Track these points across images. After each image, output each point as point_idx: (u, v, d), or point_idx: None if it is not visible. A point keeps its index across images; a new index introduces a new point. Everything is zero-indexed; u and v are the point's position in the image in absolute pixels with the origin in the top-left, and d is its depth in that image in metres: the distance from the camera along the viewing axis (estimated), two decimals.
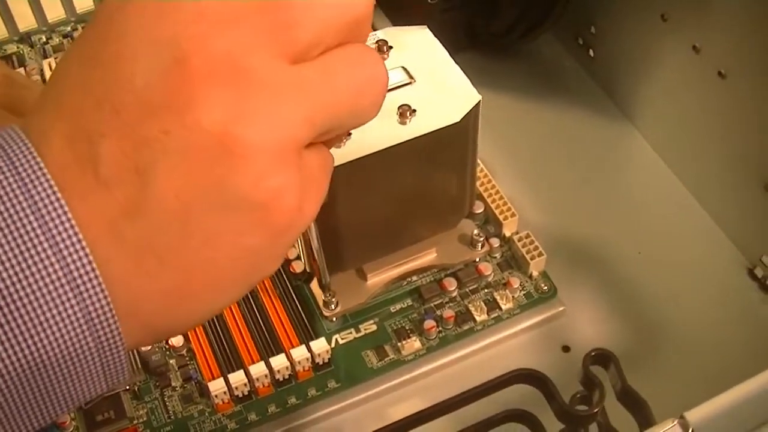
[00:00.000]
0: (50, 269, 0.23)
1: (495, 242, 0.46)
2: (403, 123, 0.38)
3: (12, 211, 0.23)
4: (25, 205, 0.23)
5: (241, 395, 0.42)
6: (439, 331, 0.44)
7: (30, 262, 0.23)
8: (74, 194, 0.23)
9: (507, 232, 0.46)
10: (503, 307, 0.44)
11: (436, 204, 0.42)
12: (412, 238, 0.43)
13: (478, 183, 0.47)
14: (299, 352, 0.42)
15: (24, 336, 0.23)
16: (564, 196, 0.50)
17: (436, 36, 0.50)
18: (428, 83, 0.39)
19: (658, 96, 0.51)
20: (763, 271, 0.46)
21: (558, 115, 0.54)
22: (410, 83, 0.39)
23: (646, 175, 0.52)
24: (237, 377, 0.41)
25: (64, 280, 0.23)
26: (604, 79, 0.55)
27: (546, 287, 0.45)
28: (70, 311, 0.23)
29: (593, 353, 0.34)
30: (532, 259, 0.45)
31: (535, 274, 0.45)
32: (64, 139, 0.24)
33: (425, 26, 0.42)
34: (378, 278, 0.44)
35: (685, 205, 0.50)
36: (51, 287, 0.23)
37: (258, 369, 0.41)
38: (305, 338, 0.43)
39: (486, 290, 0.45)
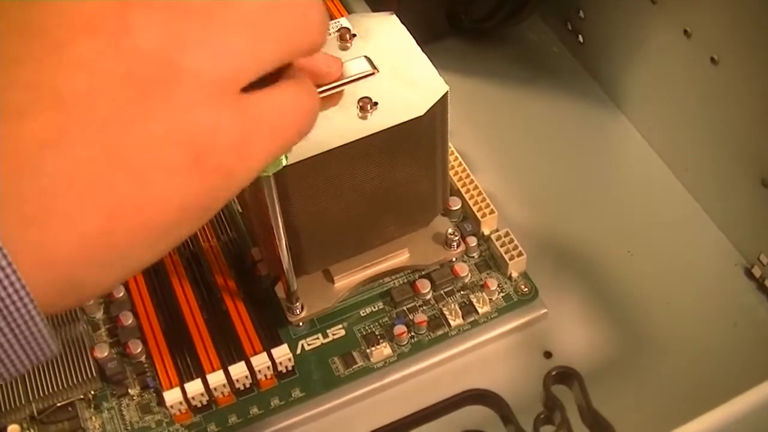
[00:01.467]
0: None
1: (472, 241, 0.43)
2: (363, 117, 0.36)
3: None
4: None
5: (199, 405, 0.40)
6: (411, 337, 0.41)
7: None
8: None
9: (485, 230, 0.44)
10: (480, 310, 0.42)
11: (404, 202, 0.39)
12: (381, 239, 0.41)
13: (455, 178, 0.45)
14: (260, 360, 0.40)
15: None
16: (549, 190, 0.48)
17: (415, 22, 0.47)
18: (393, 74, 0.37)
19: (648, 84, 0.48)
20: (761, 270, 0.44)
21: (545, 104, 0.52)
22: (373, 74, 0.37)
23: (637, 168, 0.49)
24: (194, 387, 0.39)
25: None
26: (594, 65, 0.52)
27: (526, 289, 0.43)
28: None
29: (554, 372, 0.31)
30: (511, 259, 0.42)
31: (514, 274, 0.43)
32: None
33: (392, 13, 0.40)
34: (346, 281, 0.42)
35: (679, 199, 0.47)
36: None
37: (216, 378, 0.39)
38: (270, 344, 0.41)
39: (462, 292, 0.42)
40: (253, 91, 0.24)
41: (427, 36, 0.52)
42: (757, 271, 0.44)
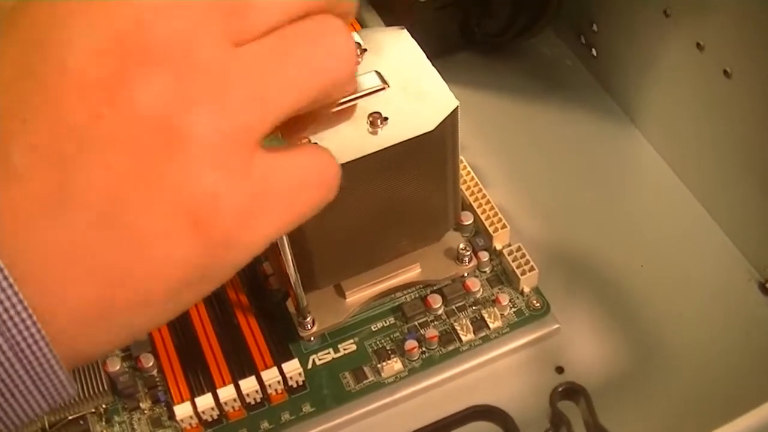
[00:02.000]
0: None
1: (484, 256, 0.43)
2: (374, 132, 0.36)
3: None
4: None
5: (209, 419, 0.40)
6: (423, 352, 0.41)
7: None
8: None
9: (498, 245, 0.44)
10: (491, 325, 0.42)
11: (415, 217, 0.39)
12: (392, 254, 0.41)
13: (467, 192, 0.45)
14: (270, 375, 0.40)
15: None
16: (562, 204, 0.48)
17: (428, 35, 0.47)
18: (403, 89, 0.37)
19: (662, 97, 0.48)
20: None
21: (558, 117, 0.52)
22: (383, 89, 0.37)
23: (650, 182, 0.49)
24: (204, 401, 0.39)
25: None
26: (608, 79, 0.52)
27: (538, 304, 0.42)
28: None
29: (560, 388, 0.31)
30: (522, 274, 0.42)
31: (526, 290, 0.43)
32: None
33: (403, 27, 0.40)
34: (357, 296, 0.42)
35: (692, 213, 0.47)
36: None
37: (226, 392, 0.39)
38: (281, 359, 0.41)
39: (474, 308, 0.42)
40: (270, 152, 0.23)
41: (440, 49, 0.52)
42: None
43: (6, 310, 0.21)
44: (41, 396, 0.23)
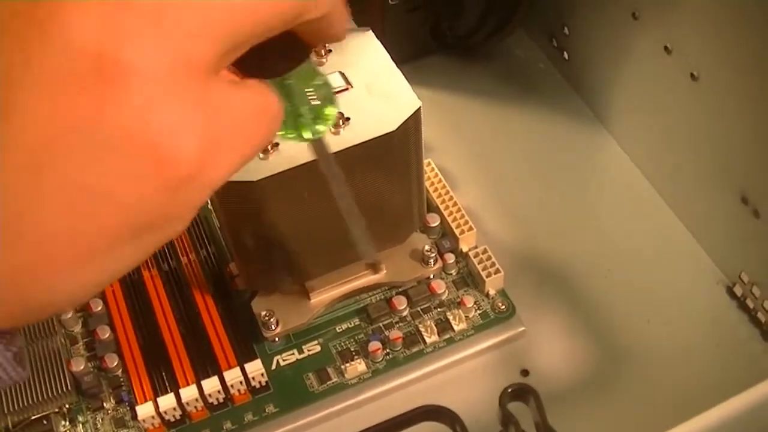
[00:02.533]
0: None
1: (450, 258, 0.43)
2: (336, 132, 0.36)
3: None
4: None
5: (172, 419, 0.40)
6: (387, 353, 0.41)
7: None
8: None
9: (464, 247, 0.44)
10: (456, 327, 0.42)
11: (379, 218, 0.40)
12: (356, 255, 0.41)
13: (435, 194, 0.45)
14: (233, 375, 0.40)
15: None
16: (532, 207, 0.48)
17: (400, 38, 0.48)
18: (366, 89, 0.37)
19: (631, 100, 0.48)
20: (742, 288, 0.43)
21: (530, 120, 0.52)
22: (346, 89, 0.37)
23: (620, 184, 0.49)
24: (166, 401, 0.39)
25: None
26: (579, 82, 0.52)
27: (504, 306, 0.43)
28: None
29: (510, 389, 0.31)
30: (488, 276, 0.42)
31: (492, 292, 0.43)
32: None
33: (369, 29, 0.40)
34: (322, 297, 0.42)
35: (661, 217, 0.47)
36: None
37: (188, 392, 0.39)
38: (245, 360, 0.41)
39: (439, 309, 0.42)
40: (223, 84, 0.22)
41: (412, 52, 0.52)
42: (738, 290, 0.44)
43: None
44: None
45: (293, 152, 0.35)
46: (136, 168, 0.20)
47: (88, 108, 0.20)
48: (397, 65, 0.38)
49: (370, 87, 0.37)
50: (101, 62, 0.20)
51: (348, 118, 0.36)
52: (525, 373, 0.42)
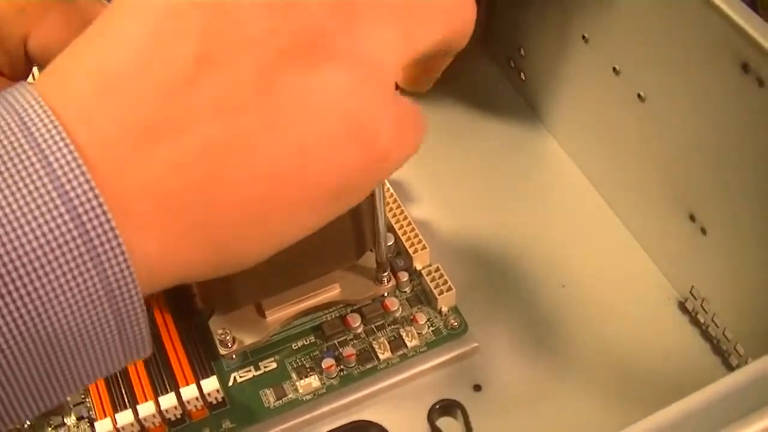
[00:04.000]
0: (69, 240, 0.21)
1: (404, 276, 0.45)
2: None
3: (6, 142, 0.22)
4: (23, 141, 0.22)
5: None
6: (341, 370, 0.43)
7: (37, 219, 0.21)
8: None
9: (418, 266, 0.45)
10: (409, 344, 0.43)
11: (332, 238, 0.41)
12: (309, 275, 0.43)
13: (389, 213, 0.46)
14: (189, 392, 0.41)
15: (35, 309, 0.22)
16: (487, 223, 0.50)
17: None
18: None
19: (584, 120, 0.50)
20: (693, 304, 0.45)
21: (487, 139, 0.54)
22: None
23: (574, 200, 0.50)
24: (124, 417, 0.41)
25: (86, 255, 0.22)
26: (535, 101, 0.54)
27: (456, 323, 0.44)
28: (89, 281, 0.22)
29: (437, 405, 0.32)
30: (440, 293, 0.44)
31: (444, 309, 0.44)
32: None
33: None
34: (277, 315, 0.43)
35: (615, 233, 0.49)
36: (67, 254, 0.21)
37: (146, 409, 0.41)
38: (203, 377, 0.42)
39: (392, 327, 0.44)
40: (401, 93, 0.27)
41: None
42: (690, 305, 0.45)
43: (102, 244, 0.22)
44: (122, 348, 0.24)
45: None
46: (344, 141, 0.24)
47: (314, 75, 0.24)
48: None
49: None
50: (333, 41, 0.24)
51: None
52: (477, 388, 0.43)
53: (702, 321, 0.45)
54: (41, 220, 0.21)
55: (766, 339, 0.41)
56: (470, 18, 0.28)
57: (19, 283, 0.21)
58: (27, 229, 0.21)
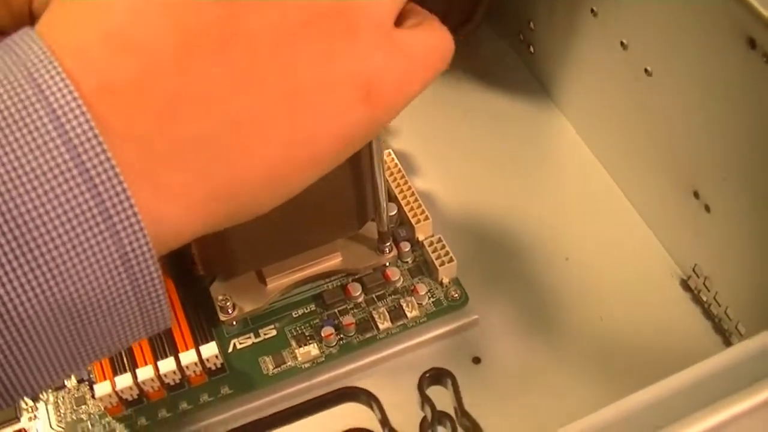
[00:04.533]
0: (78, 197, 0.22)
1: (405, 246, 0.45)
2: None
3: (31, 128, 0.22)
4: (47, 120, 0.22)
5: (130, 398, 0.42)
6: (340, 339, 0.43)
7: (51, 182, 0.22)
8: None
9: (420, 236, 0.45)
10: (409, 314, 0.43)
11: (333, 207, 0.41)
12: (310, 243, 0.43)
13: (392, 183, 0.46)
14: (188, 357, 0.42)
15: (47, 275, 0.22)
16: (492, 196, 0.50)
17: None
18: None
19: (591, 94, 0.50)
20: (696, 282, 0.45)
21: (495, 112, 0.54)
22: None
23: (580, 176, 0.50)
24: (123, 381, 0.41)
25: (99, 218, 0.22)
26: (544, 75, 0.54)
27: (457, 295, 0.44)
28: (102, 244, 0.22)
29: (427, 374, 0.33)
30: (441, 265, 0.44)
31: (445, 280, 0.44)
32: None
33: None
34: (278, 282, 0.44)
35: (620, 208, 0.49)
36: (79, 218, 0.22)
37: (145, 373, 0.41)
38: (202, 342, 0.43)
39: (393, 297, 0.44)
40: (403, 29, 0.28)
41: None
42: (692, 283, 0.45)
43: (114, 206, 0.22)
44: (141, 318, 0.25)
45: None
46: (351, 97, 0.26)
47: (323, 46, 0.25)
48: None
49: None
50: (340, 14, 0.26)
51: None
52: (477, 360, 0.43)
53: (704, 299, 0.45)
54: (58, 190, 0.22)
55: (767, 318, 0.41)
56: None
57: (36, 250, 0.22)
58: (44, 198, 0.22)
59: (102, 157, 0.22)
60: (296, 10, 0.25)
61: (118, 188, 0.22)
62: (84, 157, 0.22)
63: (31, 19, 0.31)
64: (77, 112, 0.22)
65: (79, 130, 0.22)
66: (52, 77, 0.22)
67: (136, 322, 0.25)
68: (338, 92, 0.26)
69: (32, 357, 0.23)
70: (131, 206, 0.22)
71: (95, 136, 0.22)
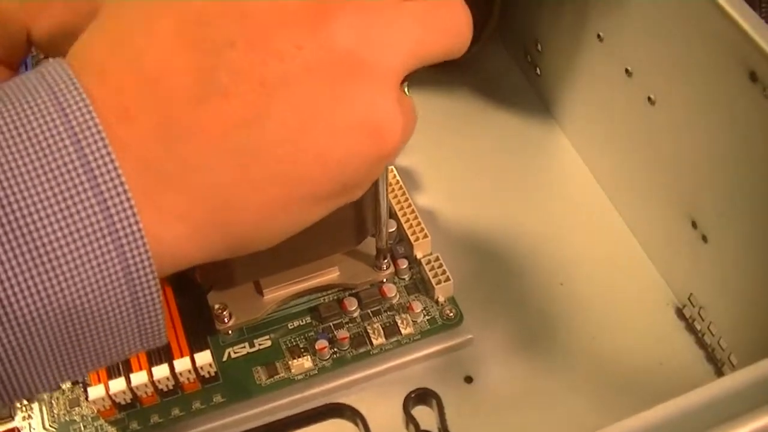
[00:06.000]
0: (88, 209, 0.24)
1: (403, 263, 0.46)
2: None
3: (49, 140, 0.24)
4: (65, 136, 0.24)
5: (123, 402, 0.43)
6: (334, 352, 0.44)
7: (64, 194, 0.24)
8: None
9: (418, 254, 0.46)
10: (403, 331, 0.44)
11: (333, 222, 0.41)
12: (309, 256, 0.44)
13: (393, 200, 0.47)
14: (182, 364, 0.43)
15: (53, 281, 0.24)
16: (491, 216, 0.50)
17: None
18: None
19: (594, 117, 0.50)
20: (691, 311, 0.45)
21: (500, 132, 0.55)
22: None
23: (580, 199, 0.51)
24: (117, 385, 0.42)
25: (106, 231, 0.24)
26: (548, 97, 0.55)
27: (452, 314, 0.45)
28: (107, 256, 0.24)
29: (413, 394, 0.33)
30: (438, 283, 0.45)
31: (441, 299, 0.45)
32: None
33: None
34: (275, 294, 0.44)
35: (618, 233, 0.50)
36: (87, 230, 0.24)
37: (139, 378, 0.42)
38: (197, 350, 0.43)
39: (388, 313, 0.45)
40: (401, 90, 0.29)
41: None
42: (687, 312, 0.46)
43: (121, 222, 0.24)
44: (138, 331, 0.26)
45: None
46: (362, 143, 0.27)
47: (337, 94, 0.26)
48: None
49: None
50: (354, 60, 0.27)
51: None
52: (469, 380, 0.44)
53: (698, 328, 0.45)
54: (69, 201, 0.24)
55: (761, 350, 0.41)
56: (469, 36, 0.31)
57: (45, 256, 0.23)
58: (56, 208, 0.23)
59: (113, 174, 0.24)
60: (313, 54, 0.26)
61: (126, 205, 0.24)
62: (96, 172, 0.24)
63: (28, 47, 0.32)
64: (94, 130, 0.24)
65: (94, 147, 0.24)
66: (74, 98, 0.24)
67: (133, 335, 0.26)
68: (349, 141, 0.27)
69: (31, 359, 0.25)
70: (137, 222, 0.24)
71: (109, 154, 0.24)
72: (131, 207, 0.24)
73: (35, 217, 0.23)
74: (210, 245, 0.27)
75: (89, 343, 0.25)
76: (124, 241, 0.24)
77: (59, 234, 0.23)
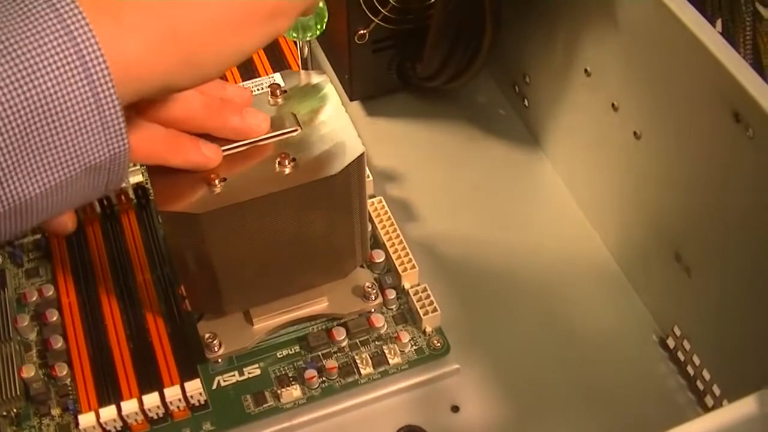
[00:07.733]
0: (51, 26, 0.28)
1: (391, 294, 0.47)
2: (281, 172, 0.39)
3: None
4: None
5: (113, 430, 0.43)
6: (323, 381, 0.45)
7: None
8: None
9: (406, 285, 0.47)
10: (391, 361, 0.45)
11: (321, 254, 0.43)
12: (300, 286, 0.45)
13: (382, 230, 0.48)
14: (172, 392, 0.44)
15: (21, 81, 0.28)
16: (479, 247, 0.52)
17: (368, 77, 0.51)
18: (315, 132, 0.41)
19: (581, 150, 0.52)
20: (674, 341, 0.47)
21: (488, 162, 0.56)
22: (295, 131, 0.41)
23: (569, 232, 0.53)
24: (108, 413, 0.43)
25: (60, 31, 0.29)
26: (536, 128, 0.56)
27: (439, 344, 0.46)
28: (65, 52, 0.29)
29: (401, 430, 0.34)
30: (425, 314, 0.46)
31: (429, 329, 0.46)
32: None
33: (323, 72, 0.44)
34: (264, 323, 0.45)
35: (604, 265, 0.51)
36: (45, 31, 0.28)
37: (129, 406, 0.43)
38: (187, 378, 0.44)
39: (376, 343, 0.46)
40: None
41: (379, 89, 0.56)
42: (670, 342, 0.47)
43: (77, 29, 0.29)
44: (103, 133, 0.31)
45: (240, 187, 0.39)
46: None
47: None
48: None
49: (319, 130, 0.41)
50: None
51: (294, 159, 0.40)
52: (455, 409, 0.45)
53: (681, 359, 0.47)
54: (26, 8, 0.29)
55: (742, 381, 0.42)
56: None
57: (8, 56, 0.28)
58: (17, 18, 0.28)
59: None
60: None
61: (76, 11, 0.29)
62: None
63: None
64: None
65: None
66: None
67: (96, 131, 0.30)
68: None
69: (11, 154, 0.28)
70: (86, 24, 0.29)
71: None
72: (80, 12, 0.29)
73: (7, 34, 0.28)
74: (167, 60, 0.31)
75: (57, 136, 0.29)
76: (82, 47, 0.29)
77: (21, 37, 0.28)
